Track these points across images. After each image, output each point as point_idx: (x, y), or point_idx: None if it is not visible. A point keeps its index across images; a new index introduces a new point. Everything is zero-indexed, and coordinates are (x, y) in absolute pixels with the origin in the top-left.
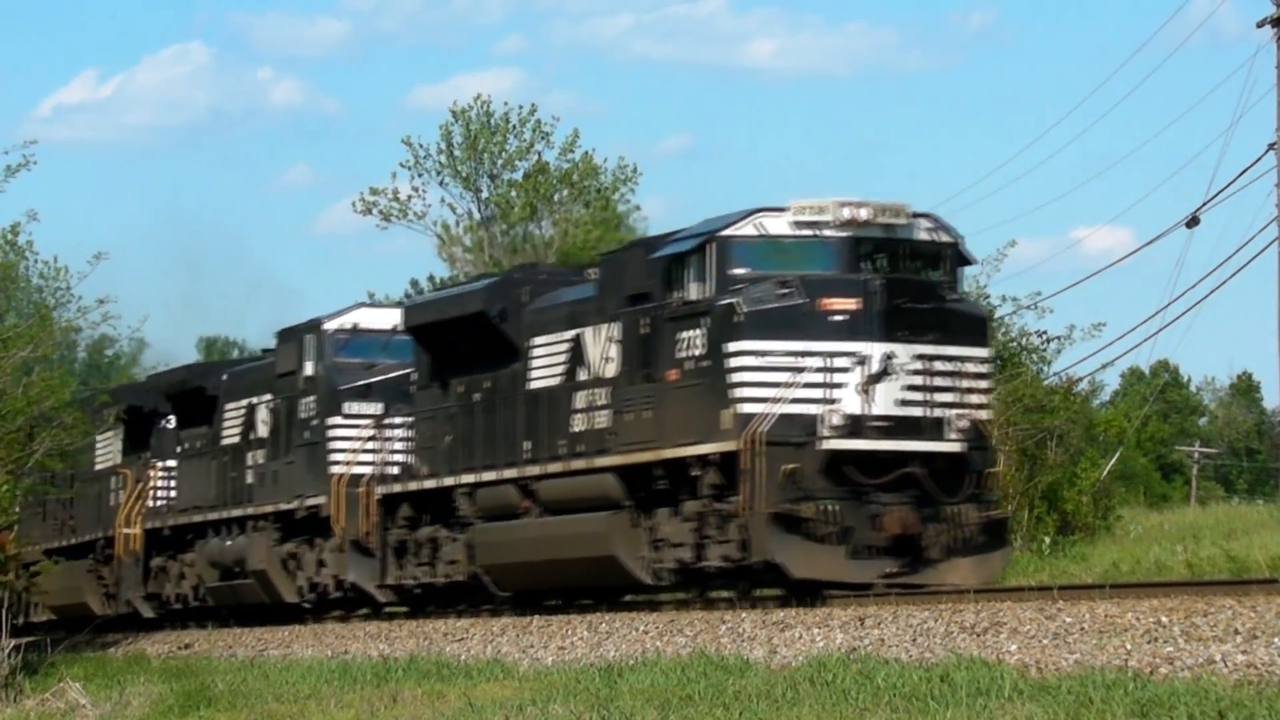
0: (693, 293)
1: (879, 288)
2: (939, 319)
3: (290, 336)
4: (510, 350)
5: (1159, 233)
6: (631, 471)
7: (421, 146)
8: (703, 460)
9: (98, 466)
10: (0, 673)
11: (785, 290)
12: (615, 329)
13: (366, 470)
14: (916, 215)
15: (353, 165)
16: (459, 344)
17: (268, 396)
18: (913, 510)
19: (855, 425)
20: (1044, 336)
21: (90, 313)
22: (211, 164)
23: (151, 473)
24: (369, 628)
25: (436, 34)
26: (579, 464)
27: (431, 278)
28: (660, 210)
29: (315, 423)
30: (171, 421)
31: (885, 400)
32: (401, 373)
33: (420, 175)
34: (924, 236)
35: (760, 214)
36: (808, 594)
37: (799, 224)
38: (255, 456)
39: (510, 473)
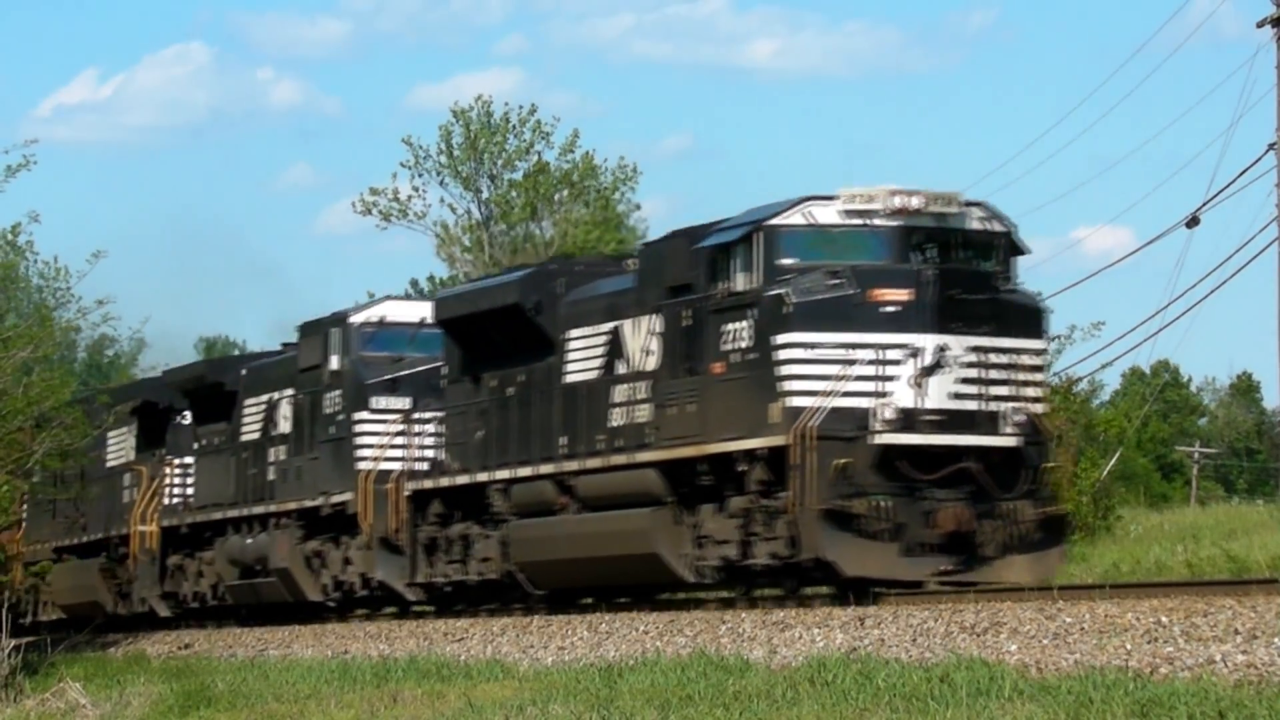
0: (739, 283)
1: (932, 278)
2: (993, 310)
3: (314, 330)
4: (545, 343)
5: (1159, 233)
6: (674, 467)
7: (421, 147)
8: (750, 455)
9: (109, 464)
10: (0, 673)
11: (835, 281)
12: (656, 321)
13: (395, 466)
14: (969, 204)
15: (353, 165)
16: (492, 337)
17: (289, 391)
18: (967, 506)
19: (908, 419)
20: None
21: (90, 313)
22: (212, 164)
23: (167, 470)
24: (369, 628)
25: (436, 34)
26: (619, 459)
27: (431, 277)
28: (660, 210)
29: (341, 418)
30: (187, 418)
31: (939, 393)
32: (430, 366)
33: (420, 175)
34: (976, 226)
35: (808, 202)
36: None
37: (848, 213)
38: (277, 452)
39: (547, 468)
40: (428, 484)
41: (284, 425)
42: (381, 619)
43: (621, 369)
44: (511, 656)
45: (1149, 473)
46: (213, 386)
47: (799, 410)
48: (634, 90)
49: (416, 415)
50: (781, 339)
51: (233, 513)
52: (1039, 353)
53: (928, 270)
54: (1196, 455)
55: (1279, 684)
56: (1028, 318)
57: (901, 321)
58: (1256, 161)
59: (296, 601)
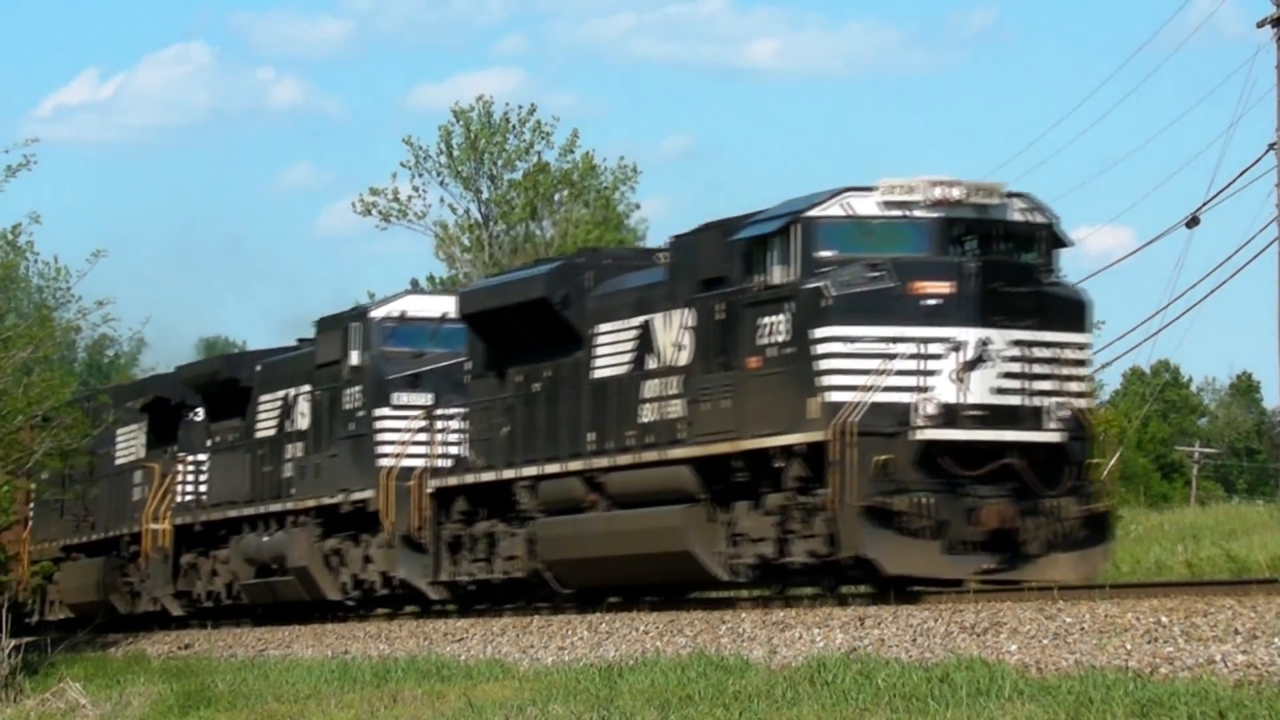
0: (776, 276)
1: (974, 270)
2: (1036, 303)
3: (332, 325)
4: (573, 338)
5: (1159, 233)
6: (708, 463)
7: (421, 148)
8: (787, 451)
9: (118, 461)
10: (0, 673)
11: (875, 273)
12: (688, 315)
13: (417, 463)
14: (1010, 195)
15: (353, 165)
16: (518, 331)
17: (306, 387)
18: (1011, 503)
19: (950, 414)
20: None
21: (90, 314)
22: (212, 164)
23: (180, 467)
24: (369, 628)
25: (437, 34)
26: (650, 455)
27: (431, 277)
28: (660, 210)
29: (361, 414)
30: (200, 414)
31: (981, 388)
32: (452, 362)
33: (420, 175)
34: (1018, 217)
35: (847, 194)
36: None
37: (888, 204)
38: (294, 449)
39: (575, 465)
40: (452, 481)
41: (301, 422)
42: (380, 619)
43: (652, 364)
44: (511, 656)
45: (1149, 473)
46: (227, 383)
47: (838, 405)
48: (634, 90)
49: (439, 411)
50: (820, 333)
51: (248, 510)
52: (1083, 346)
53: (970, 262)
54: (1196, 455)
55: (1279, 684)
56: (1071, 311)
57: (943, 315)
58: (1256, 161)
59: (314, 600)
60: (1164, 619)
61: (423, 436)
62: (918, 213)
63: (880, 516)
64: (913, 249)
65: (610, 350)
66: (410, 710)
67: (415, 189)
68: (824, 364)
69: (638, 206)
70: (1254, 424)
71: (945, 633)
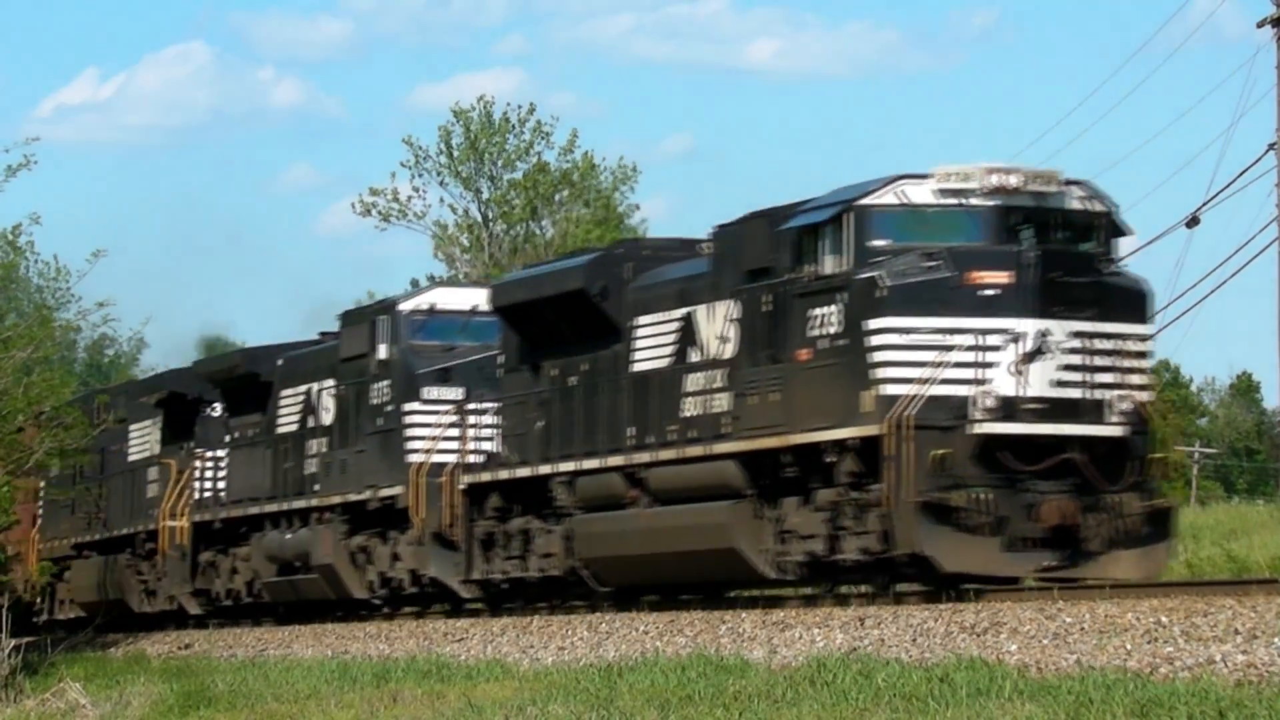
0: (827, 266)
1: (1033, 260)
2: (1097, 293)
3: (358, 318)
4: (611, 330)
5: (1159, 233)
6: (755, 458)
7: (421, 148)
8: (840, 446)
9: (131, 457)
10: (0, 673)
11: (931, 263)
12: (733, 307)
13: (448, 459)
14: (1069, 182)
15: (353, 165)
16: (554, 324)
17: (330, 382)
18: (1072, 499)
19: (1009, 407)
20: None
21: (91, 314)
22: (212, 164)
23: (198, 463)
24: (369, 628)
25: (437, 34)
26: (695, 450)
27: (431, 277)
28: (660, 210)
29: (390, 409)
30: (217, 409)
31: (1040, 381)
32: (483, 355)
33: (420, 175)
34: (1076, 205)
35: (901, 181)
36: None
37: (943, 192)
38: (317, 445)
39: (615, 460)
40: (485, 477)
41: (325, 417)
42: (380, 619)
43: (695, 357)
44: (511, 656)
45: None
46: (247, 377)
47: (893, 399)
48: (634, 90)
49: (470, 406)
50: (875, 324)
51: (270, 507)
52: (1144, 337)
53: (1029, 252)
54: (1196, 455)
55: (1279, 684)
56: (1132, 301)
57: (1001, 305)
58: (1256, 161)
59: (339, 599)
60: (1164, 619)
61: (454, 432)
62: (974, 200)
63: (937, 512)
64: (969, 238)
65: (650, 343)
66: (410, 710)
67: (415, 189)
68: (879, 356)
69: (638, 207)
70: (1254, 424)
71: (945, 633)
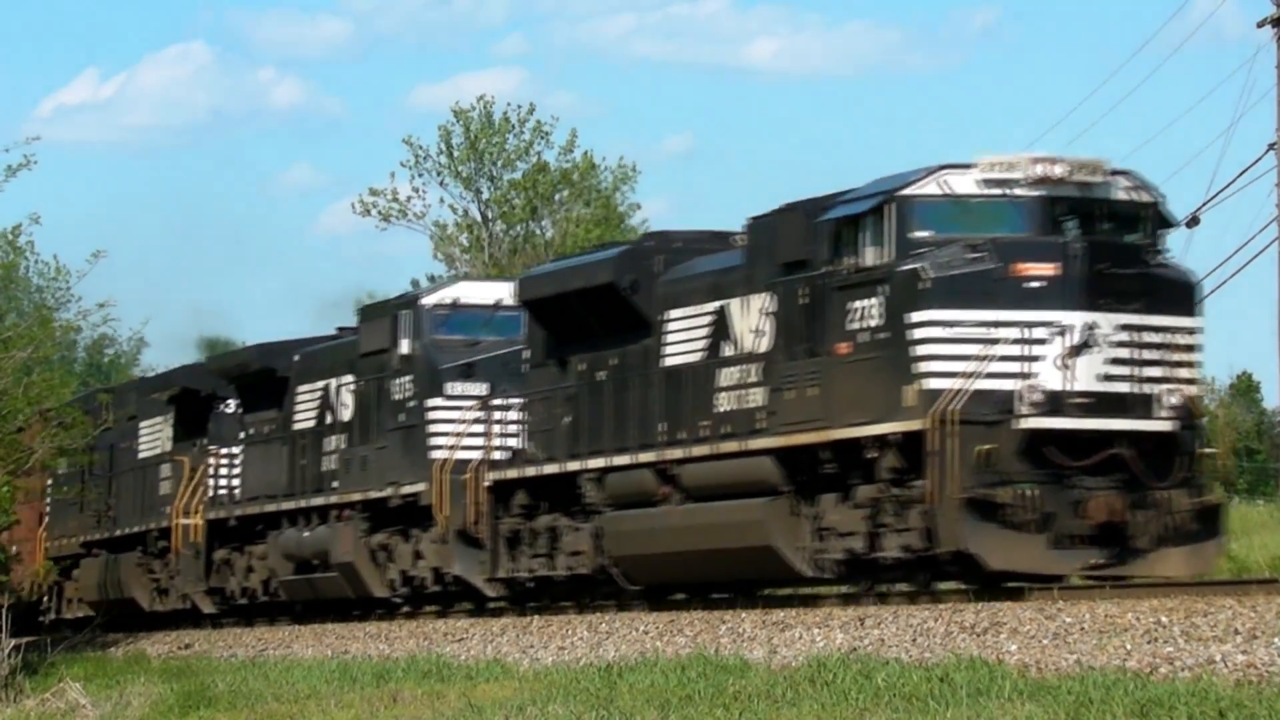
0: (868, 258)
1: (1080, 251)
2: (1144, 285)
3: (379, 313)
4: (641, 324)
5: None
6: (792, 454)
7: (421, 148)
8: (880, 441)
9: (142, 454)
10: (0, 673)
11: (975, 254)
12: (768, 300)
13: (472, 455)
14: (1115, 172)
15: (353, 165)
16: (582, 318)
17: (349, 378)
18: (1120, 495)
19: (1055, 402)
20: None
21: (91, 315)
22: (213, 164)
23: (212, 460)
24: (369, 628)
25: (438, 34)
26: (730, 446)
27: (431, 277)
28: (660, 210)
29: (412, 404)
30: (231, 405)
31: (1087, 375)
32: (508, 350)
33: (420, 175)
34: (1122, 196)
35: (943, 171)
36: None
37: (987, 182)
38: (336, 441)
39: (647, 456)
40: (511, 474)
41: (343, 413)
42: (380, 619)
43: (728, 351)
44: (511, 656)
45: None
46: (262, 373)
47: (937, 393)
48: (634, 90)
49: (495, 401)
50: (917, 317)
51: (287, 505)
52: (1193, 331)
53: (1075, 243)
54: None
55: (1279, 684)
56: (1180, 293)
57: (1047, 298)
58: (1256, 161)
59: (359, 598)
60: (1164, 619)
61: (478, 428)
62: (1018, 191)
63: (982, 509)
64: (1013, 229)
65: (682, 337)
66: (410, 710)
67: (415, 189)
68: (922, 349)
69: (638, 206)
70: (1254, 424)
71: (945, 633)
